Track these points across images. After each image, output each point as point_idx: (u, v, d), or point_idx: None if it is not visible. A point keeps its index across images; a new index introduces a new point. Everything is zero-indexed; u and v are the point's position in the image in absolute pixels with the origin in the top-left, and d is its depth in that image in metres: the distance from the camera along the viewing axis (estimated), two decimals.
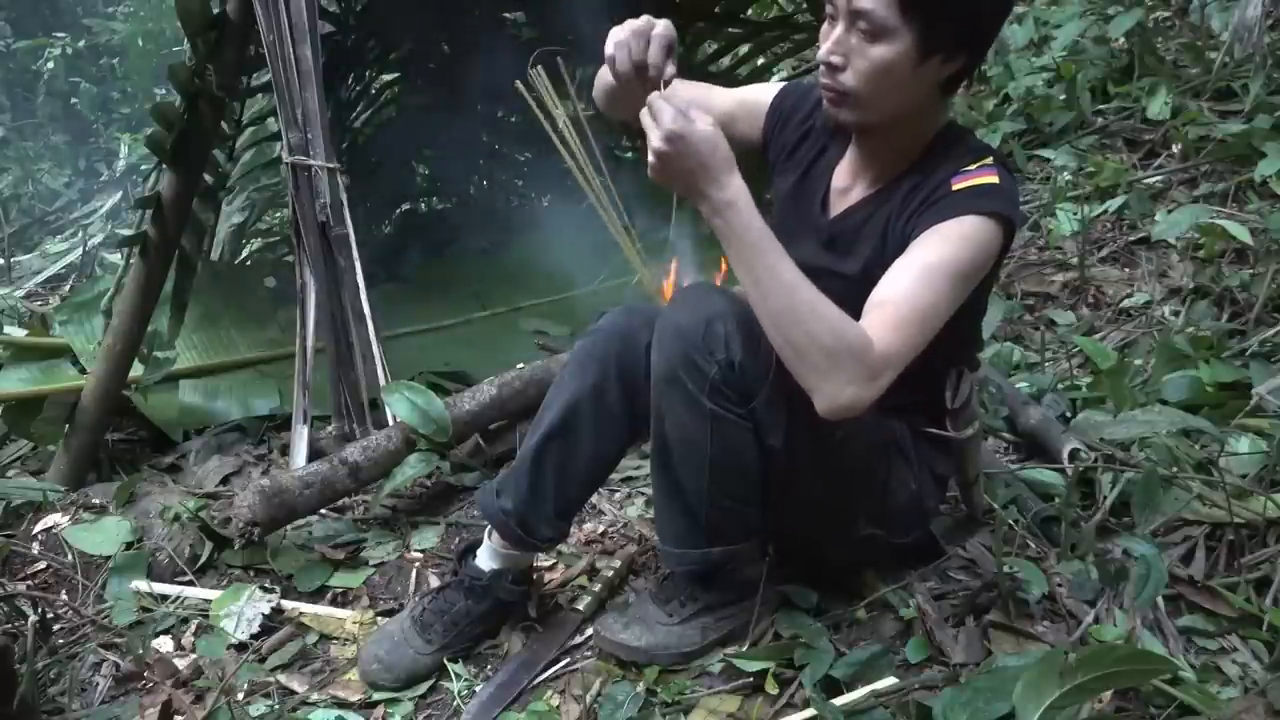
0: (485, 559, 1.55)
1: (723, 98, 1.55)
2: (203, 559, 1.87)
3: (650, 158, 1.17)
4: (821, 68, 1.27)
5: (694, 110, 1.17)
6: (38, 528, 2.00)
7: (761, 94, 1.54)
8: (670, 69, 1.24)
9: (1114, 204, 2.85)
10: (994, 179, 1.25)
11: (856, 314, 1.22)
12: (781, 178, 1.52)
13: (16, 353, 2.46)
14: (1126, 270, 2.66)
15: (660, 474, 1.46)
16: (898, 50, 1.20)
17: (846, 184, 1.42)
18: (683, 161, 1.16)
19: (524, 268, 3.64)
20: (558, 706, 1.44)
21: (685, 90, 1.49)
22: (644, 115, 1.18)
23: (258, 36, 2.18)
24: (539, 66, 1.34)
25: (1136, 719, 1.23)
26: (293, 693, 1.53)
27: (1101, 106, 3.41)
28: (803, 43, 3.85)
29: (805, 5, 3.81)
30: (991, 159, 1.28)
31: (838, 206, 1.43)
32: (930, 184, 1.28)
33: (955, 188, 1.25)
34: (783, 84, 1.55)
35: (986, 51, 1.31)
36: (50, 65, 8.22)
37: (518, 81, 1.38)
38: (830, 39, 1.24)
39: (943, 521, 1.68)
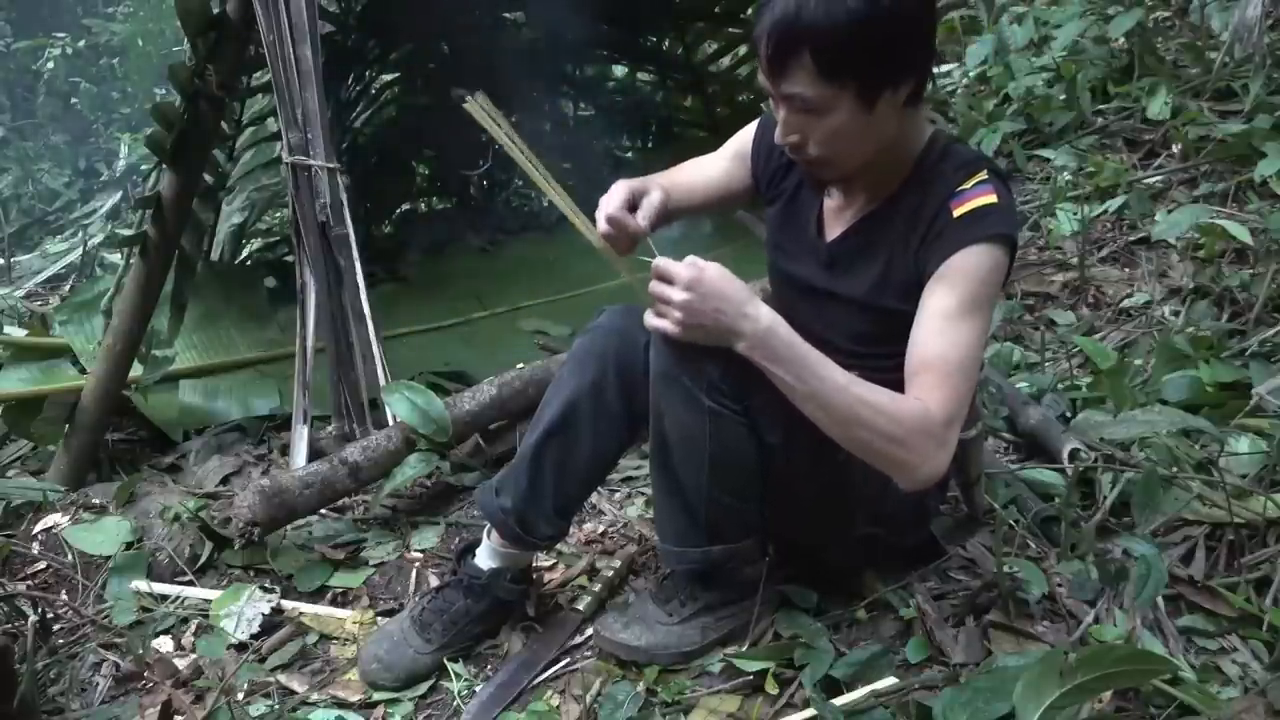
0: (484, 558, 1.55)
1: (715, 163, 1.58)
2: (203, 559, 1.87)
3: (677, 314, 1.19)
4: (786, 148, 1.30)
5: (691, 257, 1.21)
6: (38, 528, 2.00)
7: (743, 138, 1.56)
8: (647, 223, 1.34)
9: (1114, 204, 2.85)
10: (991, 198, 1.26)
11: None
12: (771, 205, 1.53)
13: (16, 353, 2.47)
14: (1126, 270, 2.66)
15: (660, 472, 1.46)
16: (844, 113, 1.21)
17: (839, 205, 1.43)
18: (706, 303, 1.18)
19: (524, 268, 3.64)
20: (558, 706, 1.44)
21: (678, 174, 1.57)
22: (654, 285, 1.21)
23: (258, 36, 2.18)
24: (475, 96, 1.37)
25: (1136, 719, 1.23)
26: (293, 693, 1.53)
27: (1101, 106, 3.40)
28: None
29: None
30: (985, 172, 1.29)
31: (834, 228, 1.43)
32: (930, 206, 1.28)
33: (956, 214, 1.26)
34: (759, 120, 1.55)
35: (933, 62, 1.30)
36: (50, 65, 8.22)
37: (465, 103, 1.40)
38: (780, 122, 1.27)
39: (943, 521, 1.68)
